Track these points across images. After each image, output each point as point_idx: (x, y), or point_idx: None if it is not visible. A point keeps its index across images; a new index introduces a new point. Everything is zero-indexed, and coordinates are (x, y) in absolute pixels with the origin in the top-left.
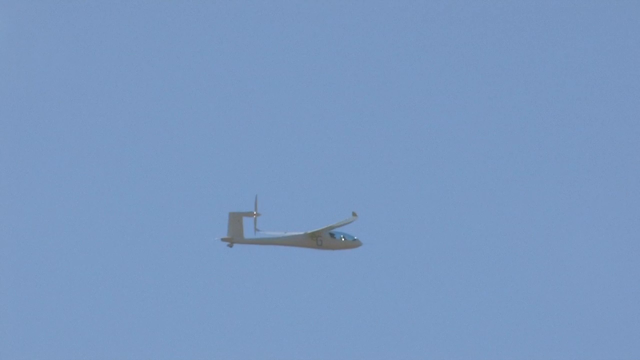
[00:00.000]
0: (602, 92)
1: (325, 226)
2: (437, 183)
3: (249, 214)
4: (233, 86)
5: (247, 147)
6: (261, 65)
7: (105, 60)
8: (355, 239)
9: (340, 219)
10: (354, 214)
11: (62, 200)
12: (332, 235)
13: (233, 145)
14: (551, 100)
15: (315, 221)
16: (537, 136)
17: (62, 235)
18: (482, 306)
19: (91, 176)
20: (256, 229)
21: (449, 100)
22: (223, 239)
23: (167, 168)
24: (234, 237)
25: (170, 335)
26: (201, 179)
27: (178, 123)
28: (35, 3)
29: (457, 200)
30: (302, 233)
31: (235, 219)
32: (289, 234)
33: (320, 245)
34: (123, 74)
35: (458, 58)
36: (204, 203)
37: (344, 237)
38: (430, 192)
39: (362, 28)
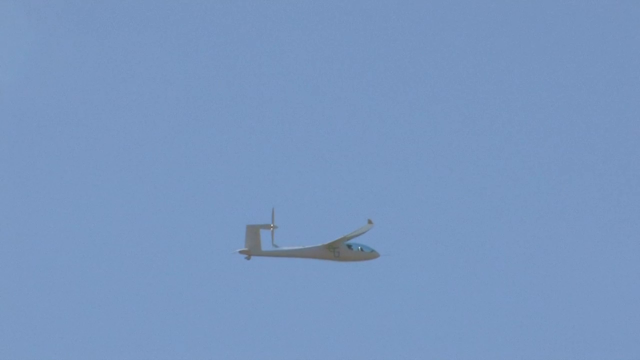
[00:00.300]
0: (602, 92)
1: (341, 236)
2: (451, 191)
3: (267, 227)
4: (250, 99)
5: (264, 159)
6: (272, 73)
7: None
8: (372, 251)
9: (356, 228)
10: (369, 222)
11: (79, 212)
12: (349, 246)
13: (249, 158)
14: (570, 104)
15: (333, 232)
16: (562, 141)
17: (79, 249)
18: (500, 318)
19: (109, 188)
20: (274, 244)
21: (466, 108)
22: (241, 252)
23: (185, 180)
24: (252, 250)
25: (188, 347)
26: (218, 192)
27: (196, 135)
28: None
29: (473, 208)
30: (319, 245)
31: (253, 232)
32: (306, 246)
33: (337, 257)
34: (139, 85)
35: (471, 62)
36: (221, 216)
37: (361, 248)
38: (444, 200)
39: (378, 38)
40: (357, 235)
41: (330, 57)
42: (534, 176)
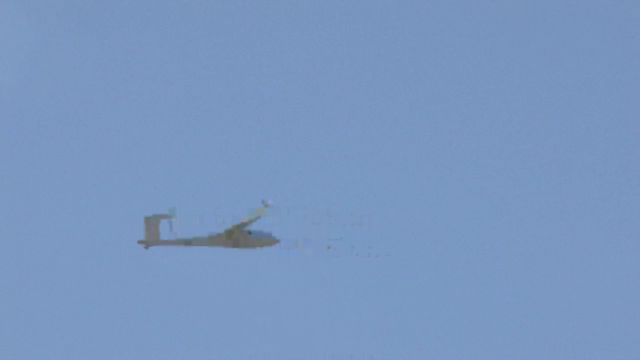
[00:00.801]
0: (602, 92)
1: (239, 222)
2: (450, 191)
3: (165, 217)
4: (250, 99)
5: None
6: (273, 73)
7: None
8: (272, 236)
9: (252, 212)
10: (265, 204)
11: (79, 212)
12: (249, 232)
13: (251, 157)
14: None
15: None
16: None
17: (78, 249)
18: (499, 318)
19: (109, 188)
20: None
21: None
22: (140, 242)
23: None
24: (151, 240)
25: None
26: (115, 183)
27: (197, 135)
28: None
29: (473, 208)
30: (218, 233)
31: (152, 223)
32: (204, 235)
33: (237, 244)
34: (140, 85)
35: (471, 62)
36: (118, 207)
37: (259, 235)
38: (442, 200)
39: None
40: (253, 221)
41: (330, 57)
42: (534, 176)
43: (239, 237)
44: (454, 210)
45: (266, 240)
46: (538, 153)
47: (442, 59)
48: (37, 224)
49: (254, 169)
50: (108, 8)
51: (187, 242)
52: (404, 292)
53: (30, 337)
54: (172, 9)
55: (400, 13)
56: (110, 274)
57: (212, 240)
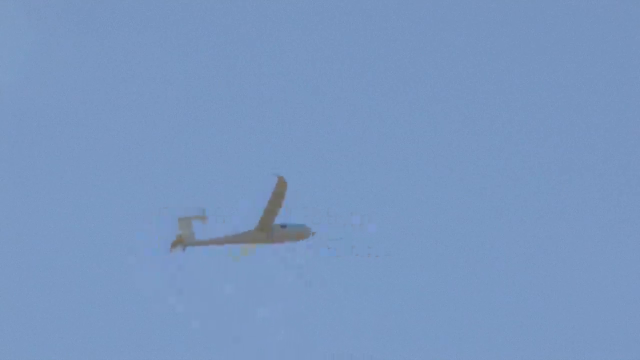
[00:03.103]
0: (602, 92)
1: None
2: (450, 191)
3: (198, 217)
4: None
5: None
6: (272, 73)
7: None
8: (307, 227)
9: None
10: (280, 180)
11: (79, 212)
12: (282, 225)
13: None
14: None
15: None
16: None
17: (78, 249)
18: (498, 318)
19: (109, 189)
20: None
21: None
22: (176, 243)
23: (184, 179)
24: (187, 241)
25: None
26: (141, 185)
27: (197, 135)
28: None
29: (472, 208)
30: (251, 230)
31: (185, 223)
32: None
33: (271, 238)
34: (140, 85)
35: (471, 62)
36: (150, 209)
37: (294, 227)
38: (441, 200)
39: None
40: (279, 204)
41: (329, 57)
42: (534, 176)
43: (272, 230)
44: (454, 210)
45: (301, 231)
46: (538, 153)
47: (442, 59)
48: (36, 224)
49: (253, 168)
50: (108, 8)
51: (223, 241)
52: (403, 291)
53: (56, 337)
54: (172, 9)
55: (400, 13)
56: (135, 277)
57: (247, 237)
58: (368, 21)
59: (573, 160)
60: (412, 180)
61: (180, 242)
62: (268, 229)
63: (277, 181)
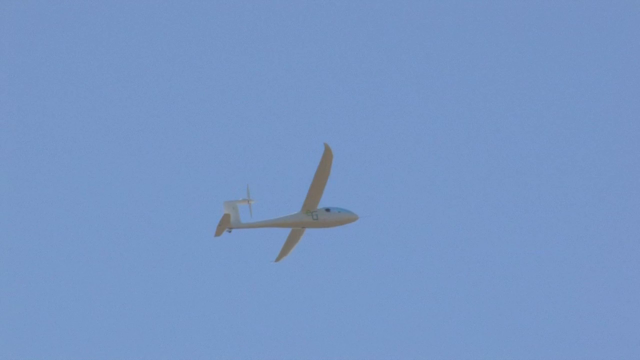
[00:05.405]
0: (602, 92)
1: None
2: (449, 190)
3: (244, 202)
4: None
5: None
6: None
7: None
8: (351, 212)
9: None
10: (327, 148)
11: (78, 212)
12: (327, 209)
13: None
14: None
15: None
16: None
17: (78, 248)
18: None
19: (108, 188)
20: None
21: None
22: (221, 226)
23: (150, 164)
24: (234, 224)
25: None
26: (189, 171)
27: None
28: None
29: (471, 208)
30: (296, 212)
31: (231, 207)
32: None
33: (316, 221)
34: (140, 84)
35: (471, 62)
36: (196, 194)
37: (339, 212)
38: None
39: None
40: (326, 175)
41: (330, 56)
42: (534, 176)
43: (318, 213)
44: (453, 210)
45: (346, 216)
46: (538, 153)
47: (442, 58)
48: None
49: (299, 150)
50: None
51: (268, 224)
52: (403, 291)
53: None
54: (172, 9)
55: (400, 13)
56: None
57: (293, 219)
58: (368, 21)
59: (573, 160)
60: (411, 180)
61: (227, 225)
62: (313, 208)
63: (324, 150)
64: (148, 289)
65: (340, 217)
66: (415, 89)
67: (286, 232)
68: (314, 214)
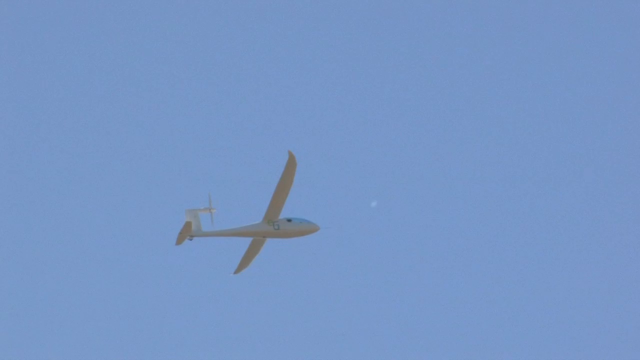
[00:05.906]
0: (602, 93)
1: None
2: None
3: (205, 210)
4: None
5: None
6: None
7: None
8: (312, 223)
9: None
10: (290, 155)
11: (79, 212)
12: (289, 220)
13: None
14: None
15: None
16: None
17: (77, 248)
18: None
19: (109, 189)
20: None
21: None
22: (183, 233)
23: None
24: (194, 232)
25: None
26: (151, 179)
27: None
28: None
29: (471, 209)
30: (257, 222)
31: (192, 215)
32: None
33: (277, 231)
34: (140, 84)
35: (471, 61)
36: (157, 202)
37: (300, 222)
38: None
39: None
40: (289, 183)
41: (329, 56)
42: (534, 176)
43: (279, 224)
44: (453, 210)
45: (307, 227)
46: (538, 153)
47: (442, 58)
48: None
49: (261, 160)
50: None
51: (230, 233)
52: (403, 291)
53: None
54: (172, 9)
55: (401, 13)
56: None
57: (254, 229)
58: (367, 21)
59: (572, 160)
60: (411, 180)
61: (188, 233)
62: (275, 218)
63: (288, 157)
64: (108, 296)
65: (301, 228)
66: (380, 98)
67: (247, 241)
68: (276, 224)
